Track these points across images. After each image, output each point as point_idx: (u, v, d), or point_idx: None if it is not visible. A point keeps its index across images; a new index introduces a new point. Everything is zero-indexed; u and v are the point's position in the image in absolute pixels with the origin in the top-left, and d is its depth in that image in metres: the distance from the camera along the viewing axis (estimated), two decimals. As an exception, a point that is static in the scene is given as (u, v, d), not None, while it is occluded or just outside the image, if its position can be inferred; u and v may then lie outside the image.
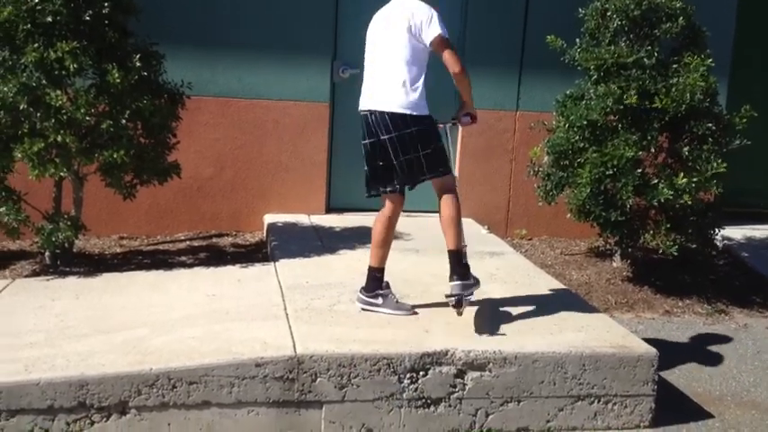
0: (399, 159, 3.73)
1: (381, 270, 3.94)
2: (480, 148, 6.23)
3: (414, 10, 3.70)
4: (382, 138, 3.74)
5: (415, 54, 3.71)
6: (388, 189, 3.86)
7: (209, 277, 4.55)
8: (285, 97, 5.91)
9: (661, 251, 5.09)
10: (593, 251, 6.05)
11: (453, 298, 3.71)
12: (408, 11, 3.71)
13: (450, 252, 3.79)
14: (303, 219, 5.92)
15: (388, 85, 3.71)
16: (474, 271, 3.84)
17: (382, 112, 3.71)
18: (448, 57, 3.71)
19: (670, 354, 4.40)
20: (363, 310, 3.91)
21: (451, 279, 3.75)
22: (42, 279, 4.50)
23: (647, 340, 3.81)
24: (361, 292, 3.95)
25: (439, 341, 3.54)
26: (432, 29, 3.66)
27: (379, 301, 3.91)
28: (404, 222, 4.48)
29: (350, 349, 3.40)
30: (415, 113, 3.69)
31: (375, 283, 3.92)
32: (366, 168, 3.88)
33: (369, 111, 3.77)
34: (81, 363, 3.20)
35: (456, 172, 6.13)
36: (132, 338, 3.48)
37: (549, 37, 5.28)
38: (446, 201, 3.77)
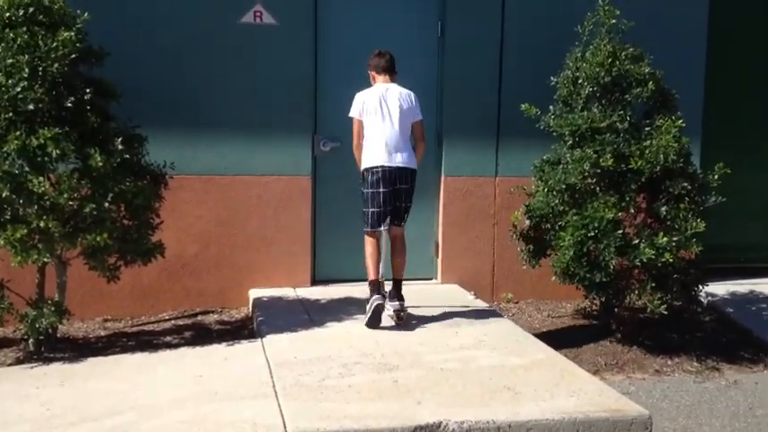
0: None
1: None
2: (462, 215, 6.29)
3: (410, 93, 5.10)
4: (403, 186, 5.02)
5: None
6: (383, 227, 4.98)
7: (195, 357, 4.50)
8: (267, 172, 5.97)
9: (649, 310, 5.10)
10: (580, 312, 6.06)
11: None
12: (406, 93, 5.06)
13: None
14: (289, 292, 5.90)
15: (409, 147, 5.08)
16: (463, 337, 3.86)
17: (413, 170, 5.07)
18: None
19: (663, 414, 4.38)
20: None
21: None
22: (26, 366, 4.42)
23: (640, 401, 3.80)
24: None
25: (431, 413, 3.50)
26: (419, 111, 5.14)
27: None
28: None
29: (341, 426, 3.36)
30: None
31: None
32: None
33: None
34: (67, 453, 3.14)
35: (439, 239, 6.27)
36: (120, 424, 3.41)
37: (523, 105, 5.41)
38: (404, 241, 5.10)
